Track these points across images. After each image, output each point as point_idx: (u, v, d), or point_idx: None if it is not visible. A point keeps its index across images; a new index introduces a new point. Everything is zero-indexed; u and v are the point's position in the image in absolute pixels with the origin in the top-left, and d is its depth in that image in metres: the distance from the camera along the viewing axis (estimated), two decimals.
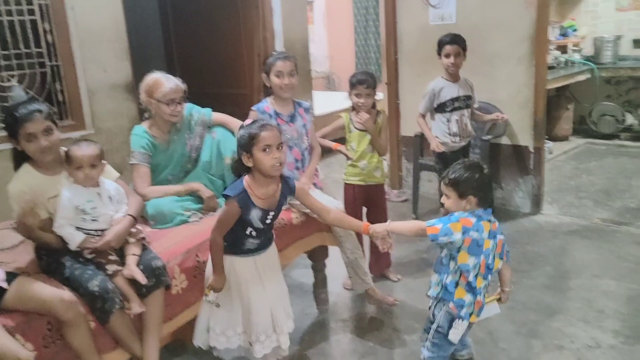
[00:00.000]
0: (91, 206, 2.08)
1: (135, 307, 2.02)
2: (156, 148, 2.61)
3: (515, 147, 4.15)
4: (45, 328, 1.85)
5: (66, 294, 1.89)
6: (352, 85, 2.96)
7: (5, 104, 3.18)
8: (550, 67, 5.33)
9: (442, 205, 2.14)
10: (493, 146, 4.09)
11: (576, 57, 6.04)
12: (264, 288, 2.19)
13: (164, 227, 2.49)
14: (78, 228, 2.06)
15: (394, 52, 4.65)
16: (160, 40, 4.91)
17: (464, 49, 3.36)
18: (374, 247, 3.26)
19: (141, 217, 2.44)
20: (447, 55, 3.36)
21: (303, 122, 2.81)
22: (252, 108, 2.75)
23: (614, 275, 3.18)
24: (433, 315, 2.18)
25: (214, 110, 2.84)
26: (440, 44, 3.38)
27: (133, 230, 2.17)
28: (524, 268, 3.32)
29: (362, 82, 2.92)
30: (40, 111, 2.03)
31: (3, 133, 2.15)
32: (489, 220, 2.06)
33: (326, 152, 3.32)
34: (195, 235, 2.37)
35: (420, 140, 4.30)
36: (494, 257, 2.09)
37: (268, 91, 2.79)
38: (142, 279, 2.03)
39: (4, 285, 1.84)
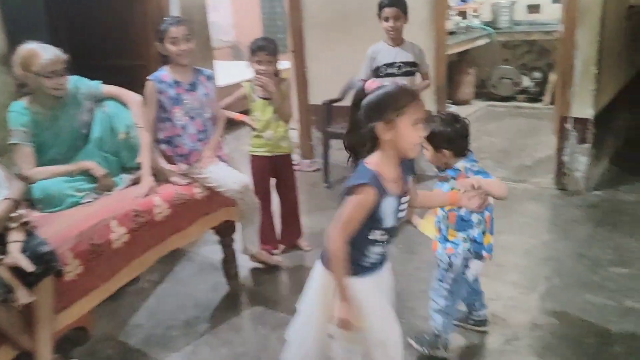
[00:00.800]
0: None
1: (22, 297, 1.86)
2: (39, 125, 2.39)
3: None
4: None
5: None
6: (252, 52, 2.87)
7: None
8: (451, 33, 5.47)
9: (440, 169, 2.15)
10: None
11: (475, 22, 6.24)
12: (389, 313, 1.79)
13: (54, 210, 2.30)
14: None
15: (299, 19, 4.57)
16: (42, 7, 4.50)
17: (405, 12, 3.26)
18: (284, 218, 3.23)
19: (27, 201, 2.25)
20: (386, 19, 3.24)
21: (205, 90, 2.68)
22: (149, 78, 2.59)
23: (512, 231, 3.36)
24: (441, 257, 2.22)
25: (106, 84, 2.65)
26: (380, 7, 3.26)
27: (14, 214, 1.98)
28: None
29: (262, 49, 2.83)
30: None
31: None
32: (473, 161, 2.16)
33: (234, 124, 3.22)
34: (89, 217, 2.20)
35: (329, 108, 4.28)
36: None
37: (167, 60, 2.63)
38: (27, 265, 1.86)
39: None
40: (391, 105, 1.59)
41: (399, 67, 3.36)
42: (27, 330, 1.92)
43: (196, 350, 2.43)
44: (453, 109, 5.75)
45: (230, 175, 2.61)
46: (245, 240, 2.87)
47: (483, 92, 6.78)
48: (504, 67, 6.53)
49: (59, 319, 2.03)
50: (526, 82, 6.50)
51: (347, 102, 4.33)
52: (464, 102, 6.48)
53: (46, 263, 1.93)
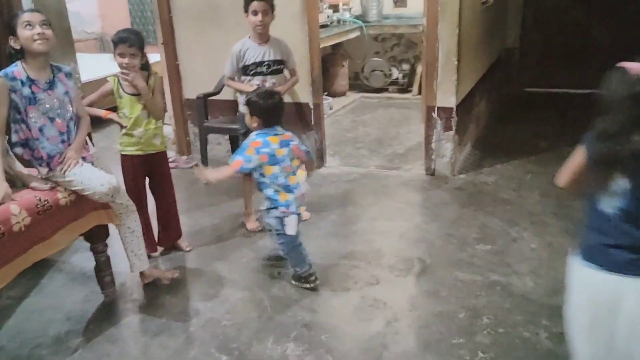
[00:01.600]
0: None
1: None
2: None
3: (297, 104, 4.26)
4: None
5: None
6: (115, 44, 2.69)
7: None
8: (324, 26, 5.56)
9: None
10: None
11: (347, 15, 6.40)
12: None
13: None
14: None
15: (168, 10, 4.38)
16: None
17: (272, 7, 3.18)
18: (162, 218, 3.10)
19: None
20: (255, 13, 3.12)
21: (65, 89, 2.45)
22: None
23: (387, 216, 3.52)
24: (268, 225, 2.71)
25: None
26: (247, 1, 3.13)
27: None
28: (312, 220, 3.47)
29: (124, 40, 2.66)
30: None
31: None
32: (276, 134, 2.60)
33: (103, 122, 3.02)
34: None
35: (204, 102, 4.17)
36: (291, 159, 2.62)
37: (17, 55, 2.37)
38: None
39: None
40: None
41: (268, 65, 3.26)
42: None
43: None
44: (330, 100, 5.88)
45: (96, 176, 2.43)
46: (130, 255, 2.67)
47: (357, 84, 7.00)
48: (375, 60, 6.79)
49: None
50: (396, 74, 6.82)
51: (223, 95, 4.28)
52: (340, 94, 6.64)
53: None
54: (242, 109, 3.16)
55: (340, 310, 2.56)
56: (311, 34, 4.05)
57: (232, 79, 3.31)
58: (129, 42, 2.67)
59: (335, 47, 6.39)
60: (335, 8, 6.34)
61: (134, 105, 2.79)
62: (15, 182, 2.33)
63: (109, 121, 2.96)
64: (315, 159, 2.77)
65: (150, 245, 3.01)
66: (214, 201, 3.83)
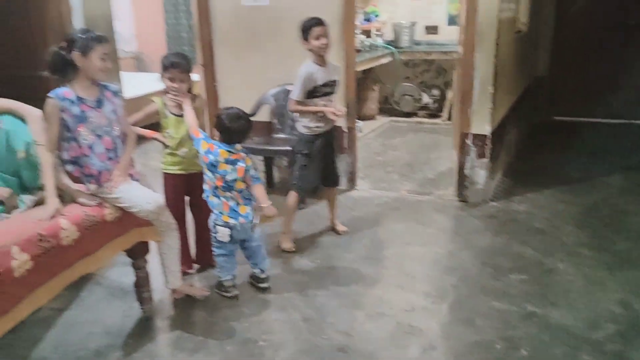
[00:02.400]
0: None
1: None
2: None
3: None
4: None
5: None
6: (165, 68, 2.77)
7: None
8: (357, 51, 5.64)
9: None
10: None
11: (379, 41, 6.49)
12: None
13: None
14: None
15: (208, 33, 4.50)
16: None
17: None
18: (199, 237, 3.15)
19: None
20: (318, 37, 3.16)
21: (112, 107, 2.53)
22: (49, 95, 2.37)
23: (420, 242, 3.52)
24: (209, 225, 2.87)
25: (2, 96, 2.44)
26: (307, 28, 3.17)
27: None
28: (344, 243, 3.50)
29: (176, 66, 2.74)
30: None
31: None
32: (229, 151, 2.72)
33: (141, 139, 3.09)
34: None
35: None
36: (235, 179, 2.73)
37: (71, 70, 2.40)
38: None
39: None
40: None
41: (332, 86, 3.33)
42: None
43: None
44: (360, 124, 5.92)
45: (143, 194, 2.50)
46: (166, 271, 2.75)
47: (387, 108, 7.05)
48: (406, 85, 6.84)
49: None
50: (426, 99, 6.86)
51: (259, 117, 4.35)
52: (370, 118, 6.70)
53: None
54: (303, 130, 3.33)
55: (376, 335, 2.56)
56: (348, 60, 4.12)
57: (300, 102, 3.30)
58: (180, 67, 2.75)
59: (366, 71, 6.46)
60: (367, 34, 6.44)
61: (179, 126, 2.86)
62: (65, 198, 2.40)
63: (146, 139, 3.02)
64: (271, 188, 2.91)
65: (187, 262, 3.07)
66: None
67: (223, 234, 2.79)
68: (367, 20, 6.60)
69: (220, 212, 2.77)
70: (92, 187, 2.44)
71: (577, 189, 4.27)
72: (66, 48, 2.36)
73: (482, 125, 3.93)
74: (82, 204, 2.38)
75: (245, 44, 4.46)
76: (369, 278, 3.07)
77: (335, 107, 3.30)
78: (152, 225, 2.59)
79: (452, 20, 6.54)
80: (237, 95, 4.55)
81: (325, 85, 3.29)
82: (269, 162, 4.56)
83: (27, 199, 2.35)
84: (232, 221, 2.77)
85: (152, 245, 2.72)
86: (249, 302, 2.86)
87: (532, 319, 2.63)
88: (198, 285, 3.02)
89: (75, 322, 2.71)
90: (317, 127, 3.34)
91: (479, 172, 4.03)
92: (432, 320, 2.67)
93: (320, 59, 3.27)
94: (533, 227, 3.67)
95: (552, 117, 6.56)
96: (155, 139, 2.91)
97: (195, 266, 3.19)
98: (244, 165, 2.76)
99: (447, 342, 2.50)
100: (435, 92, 6.85)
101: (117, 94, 2.58)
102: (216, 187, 2.74)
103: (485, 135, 3.95)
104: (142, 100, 5.58)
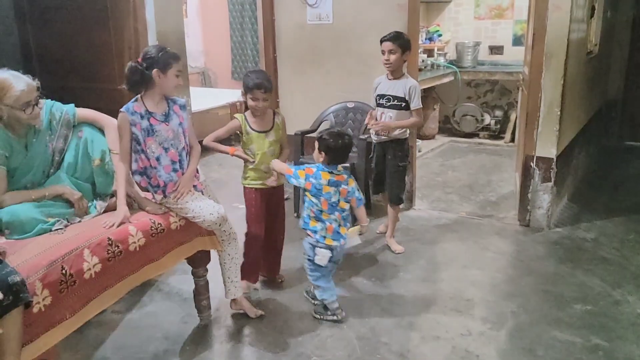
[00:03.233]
0: None
1: None
2: (13, 150, 2.31)
3: None
4: None
5: None
6: (249, 88, 2.83)
7: None
8: (419, 70, 5.62)
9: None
10: (370, 145, 4.21)
11: (441, 60, 6.45)
12: None
13: (23, 237, 2.20)
14: None
15: (273, 50, 4.62)
16: (14, 27, 4.40)
17: (402, 47, 3.32)
18: (269, 250, 3.17)
19: None
20: (383, 52, 3.36)
21: (179, 120, 2.63)
22: (121, 110, 2.48)
23: (479, 265, 3.43)
24: (303, 247, 2.82)
25: (79, 106, 2.59)
26: (380, 41, 3.38)
27: None
28: (401, 262, 3.46)
29: (260, 87, 2.80)
30: None
31: None
32: (331, 172, 2.69)
33: (206, 151, 3.17)
34: (61, 245, 2.12)
35: (302, 139, 4.31)
36: (338, 200, 2.72)
37: (147, 84, 2.49)
38: None
39: None
40: None
41: (388, 99, 3.45)
42: None
43: None
44: (419, 143, 5.88)
45: (206, 205, 2.57)
46: (227, 281, 2.80)
47: (447, 128, 6.97)
48: (467, 105, 6.74)
49: (23, 353, 1.93)
50: (488, 119, 6.72)
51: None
52: (429, 137, 6.64)
53: (15, 293, 1.85)
54: (375, 138, 3.62)
55: (431, 359, 2.51)
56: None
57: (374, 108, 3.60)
58: (264, 88, 2.81)
59: (427, 90, 6.41)
60: (429, 53, 6.41)
61: (261, 142, 2.93)
62: (132, 205, 2.51)
63: (209, 150, 3.08)
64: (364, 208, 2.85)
65: (254, 275, 3.12)
66: (303, 235, 3.89)
67: (323, 256, 2.74)
68: (430, 39, 6.57)
69: (324, 236, 2.73)
70: (158, 197, 2.54)
71: None
72: (144, 64, 2.46)
73: (548, 147, 3.81)
74: (149, 212, 2.48)
75: (308, 61, 4.55)
76: (425, 300, 3.02)
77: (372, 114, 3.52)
78: (214, 235, 2.66)
79: (517, 41, 6.43)
80: (298, 110, 4.64)
81: (381, 96, 3.49)
82: None
83: (99, 204, 2.47)
84: (335, 243, 2.74)
85: (215, 255, 2.79)
86: (303, 317, 2.87)
87: (597, 352, 2.50)
88: (255, 298, 3.05)
89: (135, 326, 2.81)
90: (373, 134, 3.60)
91: (543, 196, 3.90)
92: (489, 346, 2.59)
93: (389, 73, 3.47)
94: (600, 257, 3.51)
95: (624, 142, 6.29)
96: (237, 156, 2.96)
97: (260, 278, 3.22)
98: (347, 187, 2.75)
99: None
100: (498, 112, 6.71)
101: (183, 107, 2.67)
102: (321, 211, 2.71)
103: (551, 159, 3.82)
104: (208, 114, 5.82)
